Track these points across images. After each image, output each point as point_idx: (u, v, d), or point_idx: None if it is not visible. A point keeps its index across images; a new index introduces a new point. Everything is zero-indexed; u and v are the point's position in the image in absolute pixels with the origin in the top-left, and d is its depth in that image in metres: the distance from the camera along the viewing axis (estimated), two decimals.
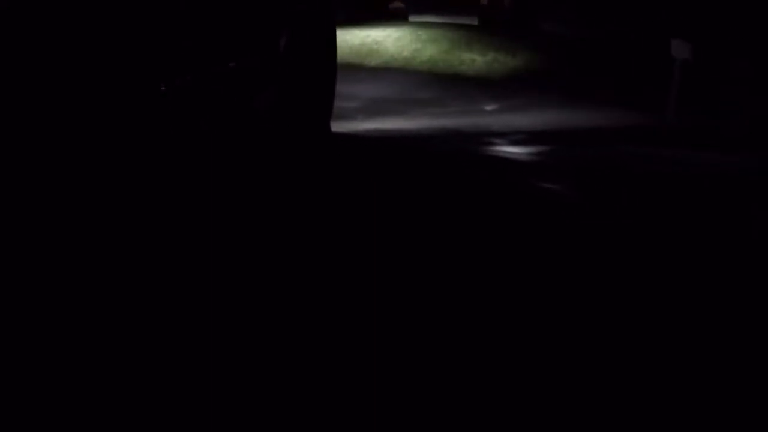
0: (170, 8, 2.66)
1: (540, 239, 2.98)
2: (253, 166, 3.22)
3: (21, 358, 1.80)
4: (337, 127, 4.76)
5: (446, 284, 2.48)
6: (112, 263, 2.24)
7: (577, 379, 1.91)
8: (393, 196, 3.31)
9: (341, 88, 6.29)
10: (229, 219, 2.71)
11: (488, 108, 6.24)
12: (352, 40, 9.38)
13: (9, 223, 2.13)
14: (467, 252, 2.78)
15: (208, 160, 2.93)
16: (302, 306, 2.21)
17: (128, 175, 2.45)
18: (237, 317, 2.11)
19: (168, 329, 2.01)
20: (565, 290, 2.51)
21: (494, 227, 3.07)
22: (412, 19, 11.51)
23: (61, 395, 1.68)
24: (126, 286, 2.18)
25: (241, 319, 2.10)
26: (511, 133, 5.27)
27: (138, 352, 1.88)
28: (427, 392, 1.79)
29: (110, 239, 2.32)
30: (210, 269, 2.36)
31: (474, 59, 8.01)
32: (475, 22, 11.24)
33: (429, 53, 8.48)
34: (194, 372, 1.82)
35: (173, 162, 2.68)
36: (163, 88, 2.58)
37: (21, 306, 1.97)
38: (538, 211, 3.36)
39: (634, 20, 8.47)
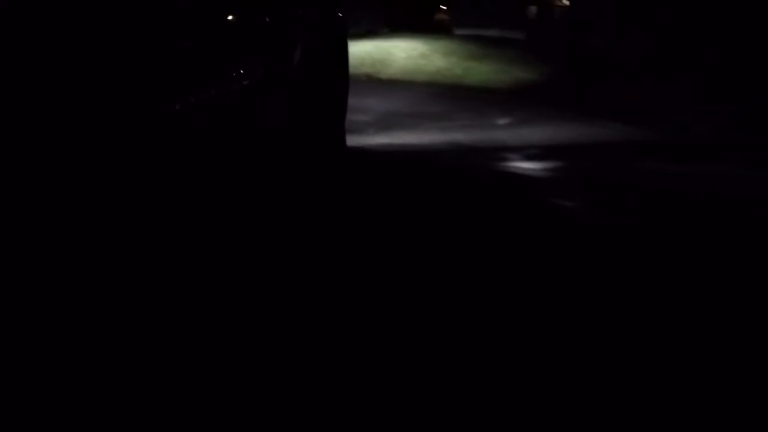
0: (185, 27, 2.62)
1: (551, 257, 2.86)
2: (267, 181, 3.25)
3: (20, 357, 1.81)
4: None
5: (451, 297, 2.46)
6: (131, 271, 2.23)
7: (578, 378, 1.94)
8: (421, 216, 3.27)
9: (400, 107, 6.19)
10: (241, 235, 2.76)
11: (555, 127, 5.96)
12: (397, 53, 9.08)
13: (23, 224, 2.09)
14: (477, 268, 2.72)
15: (221, 175, 2.88)
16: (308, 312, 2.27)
17: (141, 191, 2.39)
18: (245, 316, 2.18)
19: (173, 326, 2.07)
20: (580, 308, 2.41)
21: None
22: (457, 32, 11.22)
23: (61, 395, 1.70)
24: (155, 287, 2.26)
25: (251, 317, 2.17)
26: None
27: (151, 348, 1.93)
28: (430, 391, 1.81)
29: (125, 252, 2.28)
30: (220, 276, 2.42)
31: (534, 80, 7.67)
32: (522, 36, 10.94)
33: (481, 70, 8.16)
34: (196, 371, 1.84)
35: (186, 178, 2.63)
36: (177, 107, 2.49)
37: (21, 305, 1.97)
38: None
39: (696, 35, 8.09)
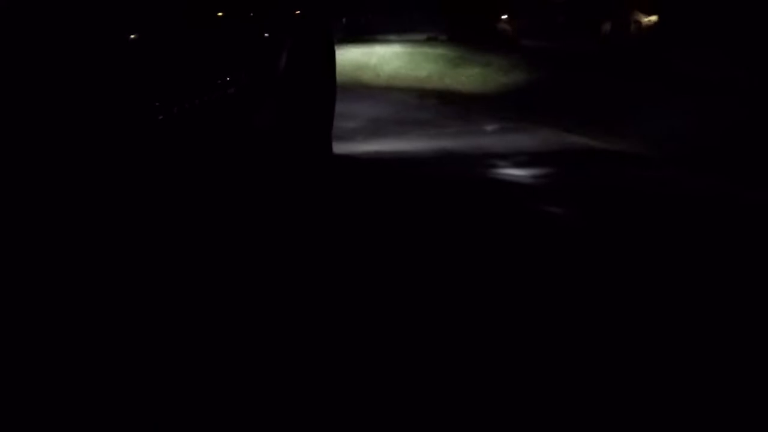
0: (170, 35, 2.59)
1: (543, 263, 2.88)
2: (252, 190, 3.28)
3: (20, 357, 1.82)
4: None
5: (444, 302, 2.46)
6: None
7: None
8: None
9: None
10: (228, 244, 2.77)
11: None
12: (469, 70, 8.42)
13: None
14: (471, 276, 2.71)
15: (207, 185, 2.92)
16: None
17: (128, 201, 2.40)
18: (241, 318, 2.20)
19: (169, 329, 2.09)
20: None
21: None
22: (524, 43, 10.54)
23: (61, 395, 1.71)
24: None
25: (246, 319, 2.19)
26: None
27: (138, 352, 1.95)
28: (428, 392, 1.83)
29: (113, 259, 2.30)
30: (210, 284, 2.44)
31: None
32: (593, 50, 10.29)
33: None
34: (193, 372, 1.87)
35: (170, 187, 2.64)
36: (160, 117, 2.46)
37: (20, 306, 1.97)
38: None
39: None
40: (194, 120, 2.70)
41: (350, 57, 8.51)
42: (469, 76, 8.31)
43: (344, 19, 17.24)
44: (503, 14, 10.74)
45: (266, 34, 3.32)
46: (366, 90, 7.33)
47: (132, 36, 2.37)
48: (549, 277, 2.76)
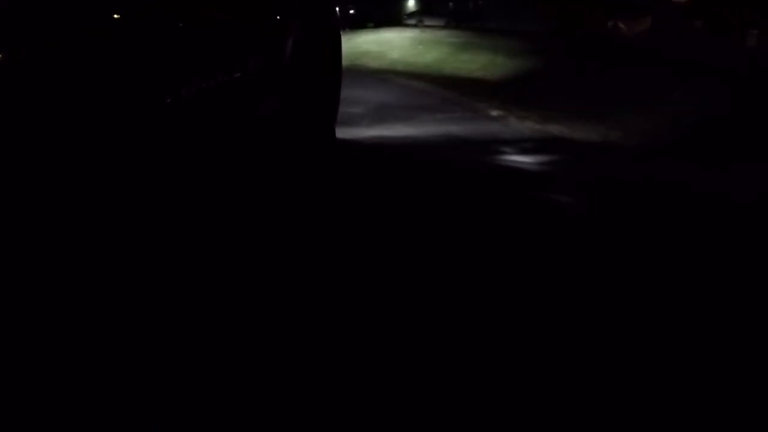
0: (177, 17, 2.49)
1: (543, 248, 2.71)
2: (258, 175, 3.27)
3: (19, 357, 1.79)
4: None
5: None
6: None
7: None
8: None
9: None
10: (230, 228, 2.73)
11: None
12: None
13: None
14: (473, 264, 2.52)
15: (212, 169, 2.86)
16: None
17: (131, 186, 2.29)
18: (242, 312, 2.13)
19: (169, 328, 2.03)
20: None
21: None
22: (647, 47, 8.78)
23: (61, 395, 1.69)
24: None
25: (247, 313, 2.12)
26: None
27: (138, 351, 1.90)
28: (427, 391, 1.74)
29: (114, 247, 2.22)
30: (211, 271, 2.37)
31: None
32: (732, 67, 8.48)
33: None
34: (193, 372, 1.81)
35: (177, 172, 2.55)
36: (168, 100, 2.37)
37: (20, 305, 1.88)
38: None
39: None
40: (200, 104, 2.69)
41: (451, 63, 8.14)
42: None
43: (451, 4, 15.83)
44: (618, 12, 8.99)
45: (273, 21, 3.35)
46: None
47: (137, 17, 2.31)
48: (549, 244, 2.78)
